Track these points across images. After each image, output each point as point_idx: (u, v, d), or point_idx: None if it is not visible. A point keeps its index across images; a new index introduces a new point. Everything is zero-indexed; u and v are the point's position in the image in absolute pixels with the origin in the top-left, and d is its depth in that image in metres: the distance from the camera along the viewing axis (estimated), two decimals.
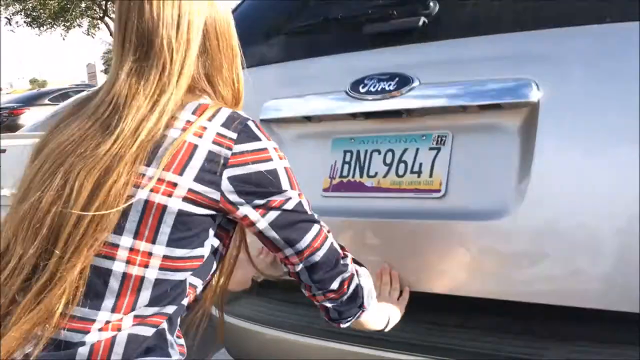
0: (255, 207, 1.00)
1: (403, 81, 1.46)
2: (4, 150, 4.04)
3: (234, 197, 0.97)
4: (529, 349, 1.34)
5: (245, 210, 0.99)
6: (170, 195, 0.93)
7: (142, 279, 0.94)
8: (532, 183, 1.30)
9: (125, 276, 0.94)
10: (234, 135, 0.97)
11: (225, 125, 0.97)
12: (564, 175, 1.29)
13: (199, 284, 1.04)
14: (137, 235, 0.93)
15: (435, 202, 1.43)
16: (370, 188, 1.54)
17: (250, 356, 1.90)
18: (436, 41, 1.49)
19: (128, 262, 0.93)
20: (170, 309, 0.98)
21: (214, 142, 0.96)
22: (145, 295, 0.95)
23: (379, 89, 1.49)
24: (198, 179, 0.94)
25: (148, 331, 0.96)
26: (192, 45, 0.99)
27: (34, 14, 17.99)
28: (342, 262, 1.10)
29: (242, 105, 1.11)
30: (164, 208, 0.93)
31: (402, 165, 1.50)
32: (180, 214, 0.94)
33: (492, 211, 1.36)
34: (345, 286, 1.10)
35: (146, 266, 0.94)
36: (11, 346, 0.91)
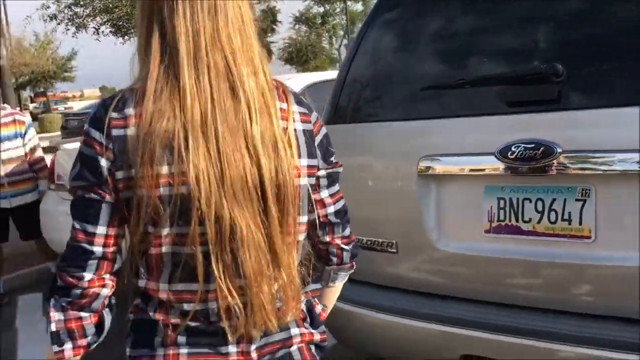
0: (326, 163, 1.23)
1: (547, 150, 1.73)
2: None
3: (320, 162, 1.21)
4: None
5: (322, 168, 1.23)
6: (299, 176, 1.13)
7: (297, 243, 1.16)
8: None
9: (290, 243, 1.14)
10: (307, 110, 1.19)
11: (299, 103, 1.17)
12: None
13: None
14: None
15: (587, 247, 1.74)
16: (526, 232, 1.86)
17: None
18: (572, 110, 1.74)
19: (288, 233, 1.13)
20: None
21: (302, 121, 1.16)
22: (298, 254, 1.18)
23: (526, 157, 1.77)
24: (308, 156, 1.16)
25: (302, 275, 1.22)
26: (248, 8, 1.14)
27: (120, 24, 18.57)
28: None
29: None
30: (300, 187, 1.13)
31: (552, 213, 1.80)
32: (307, 189, 1.17)
33: (637, 256, 1.65)
34: (353, 235, 1.35)
35: (297, 233, 1.16)
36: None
